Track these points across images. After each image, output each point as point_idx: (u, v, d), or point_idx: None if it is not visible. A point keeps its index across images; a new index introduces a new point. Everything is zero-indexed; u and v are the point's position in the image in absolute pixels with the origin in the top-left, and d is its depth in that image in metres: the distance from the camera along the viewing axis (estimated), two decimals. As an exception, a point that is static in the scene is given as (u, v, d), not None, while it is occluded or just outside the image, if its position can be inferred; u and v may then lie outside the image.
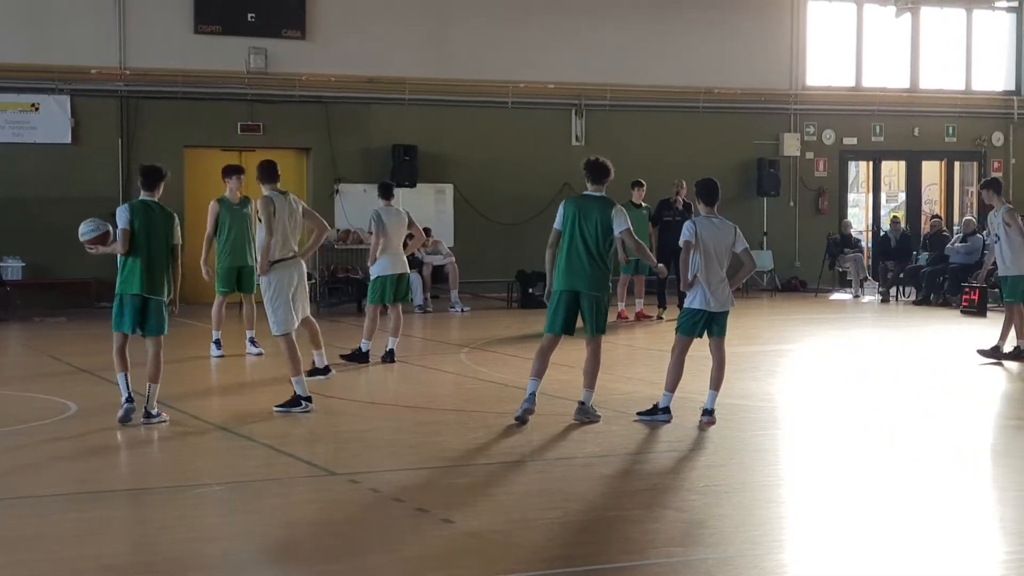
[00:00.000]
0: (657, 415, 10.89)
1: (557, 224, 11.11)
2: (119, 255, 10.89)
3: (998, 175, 28.68)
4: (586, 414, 10.96)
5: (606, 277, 11.10)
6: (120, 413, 10.83)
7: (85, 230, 11.09)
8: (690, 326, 10.86)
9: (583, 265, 10.92)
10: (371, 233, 14.91)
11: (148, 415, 10.91)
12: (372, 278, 14.91)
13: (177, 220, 11.21)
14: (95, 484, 9.00)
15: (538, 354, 11.12)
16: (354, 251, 23.26)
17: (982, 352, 15.06)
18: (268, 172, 11.90)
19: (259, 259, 11.75)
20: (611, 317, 20.02)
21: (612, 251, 11.15)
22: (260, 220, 11.72)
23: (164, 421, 10.93)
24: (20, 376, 14.31)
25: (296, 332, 11.74)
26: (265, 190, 11.85)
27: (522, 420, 10.78)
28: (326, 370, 13.02)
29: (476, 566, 6.75)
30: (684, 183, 20.13)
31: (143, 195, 11.10)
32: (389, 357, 14.72)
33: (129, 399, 10.89)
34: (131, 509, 8.12)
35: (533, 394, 10.92)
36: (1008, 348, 15.06)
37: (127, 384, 10.92)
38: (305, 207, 12.25)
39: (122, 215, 10.93)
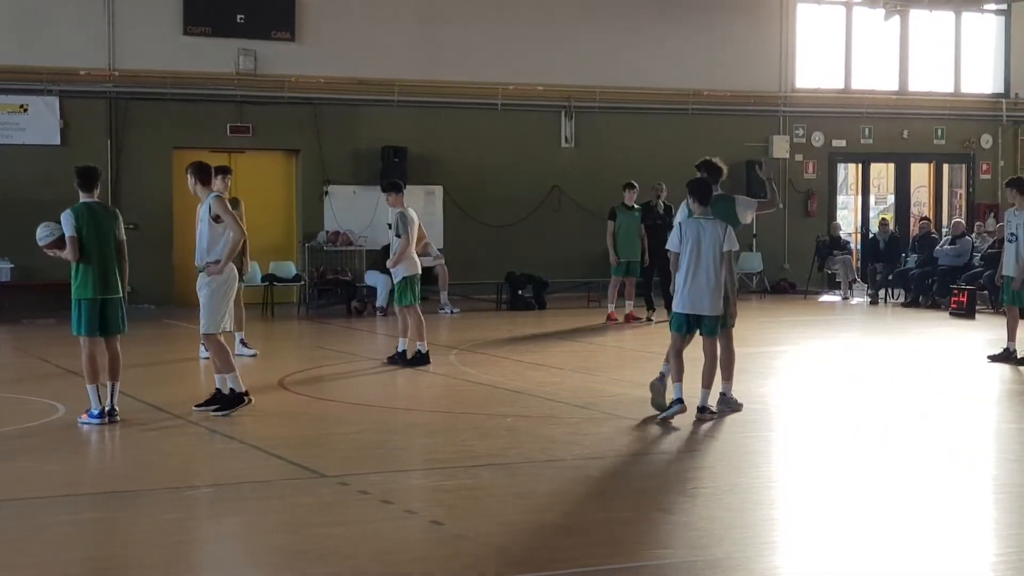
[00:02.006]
0: (671, 407, 10.99)
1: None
2: (71, 261, 10.90)
3: (987, 177, 28.84)
4: (727, 404, 11.34)
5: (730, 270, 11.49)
6: (91, 423, 10.85)
7: (42, 235, 11.00)
8: (677, 325, 11.12)
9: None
10: (398, 236, 14.83)
11: (113, 410, 10.99)
12: (398, 280, 14.88)
13: (120, 216, 11.25)
14: (85, 486, 8.99)
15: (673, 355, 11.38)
16: (343, 253, 23.26)
17: (993, 358, 15.02)
18: (208, 173, 11.77)
19: (214, 257, 11.41)
20: (600, 319, 20.18)
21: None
22: (216, 219, 11.40)
23: (117, 420, 10.96)
24: (9, 378, 14.28)
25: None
26: (212, 192, 11.71)
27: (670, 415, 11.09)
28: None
29: (465, 568, 6.75)
30: (664, 185, 20.08)
31: (83, 197, 11.03)
32: (401, 358, 14.69)
33: (102, 413, 10.89)
34: (121, 511, 8.10)
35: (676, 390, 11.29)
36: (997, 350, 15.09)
37: (100, 397, 10.92)
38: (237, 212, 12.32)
39: (67, 222, 10.87)
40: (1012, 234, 15.08)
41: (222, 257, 11.43)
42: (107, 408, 10.94)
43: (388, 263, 15.11)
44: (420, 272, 15.09)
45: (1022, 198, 15.14)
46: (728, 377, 11.48)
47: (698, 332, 11.15)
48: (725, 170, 11.80)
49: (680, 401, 10.99)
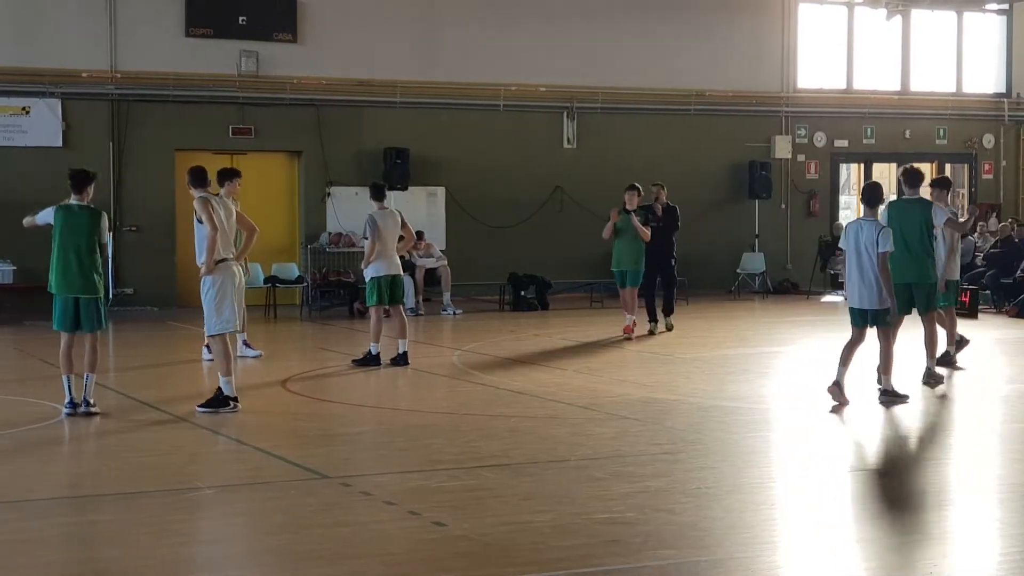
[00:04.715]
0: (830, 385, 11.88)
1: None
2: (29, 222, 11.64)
3: (989, 177, 28.83)
4: (932, 377, 12.87)
5: (929, 265, 13.01)
6: (64, 413, 11.26)
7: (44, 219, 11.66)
8: (851, 319, 12.13)
9: (907, 259, 12.48)
10: (366, 238, 14.94)
11: (87, 403, 11.32)
12: (367, 280, 14.99)
13: (105, 218, 11.64)
14: (86, 488, 8.99)
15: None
16: (345, 254, 23.26)
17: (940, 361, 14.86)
18: (199, 177, 11.98)
19: (204, 258, 11.74)
20: (602, 320, 20.14)
21: (935, 242, 13.09)
22: (200, 220, 11.74)
23: (96, 413, 11.31)
24: (11, 380, 14.28)
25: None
26: (198, 193, 11.88)
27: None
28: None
29: (467, 569, 6.74)
30: (664, 188, 18.92)
31: (72, 198, 11.54)
32: (403, 360, 14.72)
33: (72, 403, 11.27)
34: (123, 513, 8.10)
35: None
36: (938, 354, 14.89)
37: (70, 388, 11.31)
38: (238, 211, 12.45)
39: (47, 214, 11.56)
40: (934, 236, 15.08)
41: (202, 258, 11.76)
42: (81, 399, 11.29)
43: (362, 264, 15.26)
44: (389, 276, 14.88)
45: (947, 198, 15.10)
46: (931, 356, 12.84)
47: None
48: (925, 176, 13.36)
49: (839, 384, 11.81)
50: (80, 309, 11.38)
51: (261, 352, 15.69)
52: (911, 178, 13.19)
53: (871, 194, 12.11)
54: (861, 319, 11.97)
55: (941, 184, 15.35)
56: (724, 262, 26.03)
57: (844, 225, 12.30)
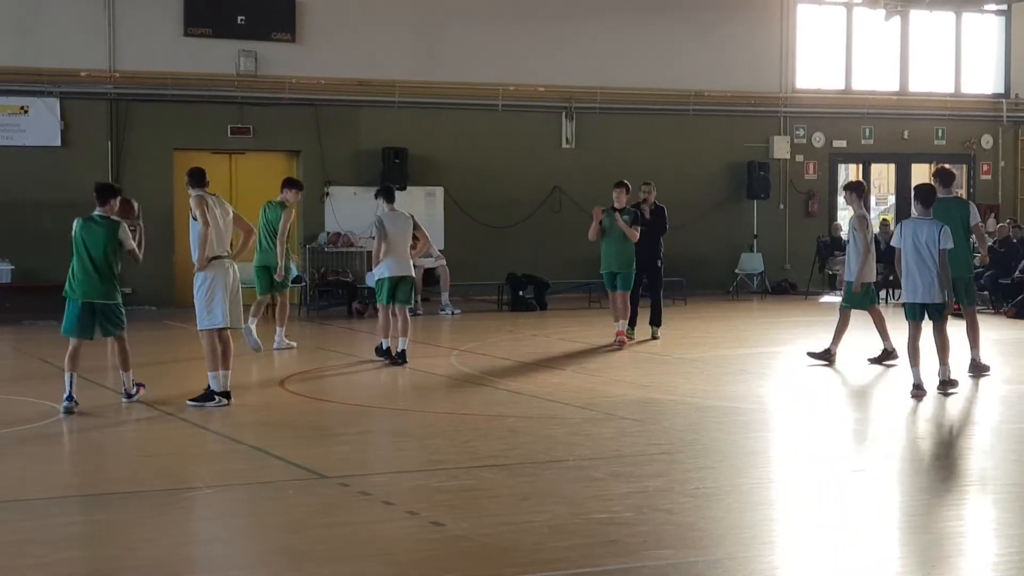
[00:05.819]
0: (911, 390, 12.28)
1: None
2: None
3: (987, 178, 28.85)
4: (977, 369, 13.58)
5: (970, 260, 13.94)
6: (61, 407, 11.44)
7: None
8: (909, 314, 12.47)
9: (949, 254, 12.51)
10: (373, 238, 15.04)
11: (128, 395, 11.94)
12: (375, 280, 15.19)
13: (124, 227, 11.91)
14: (85, 487, 8.99)
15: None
16: (344, 254, 23.27)
17: (813, 355, 14.98)
18: (197, 177, 12.21)
19: (196, 254, 11.97)
20: (601, 319, 20.13)
21: (972, 239, 13.86)
22: (194, 217, 11.97)
23: (138, 395, 12.00)
24: (10, 379, 14.29)
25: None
26: (195, 192, 12.09)
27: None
28: (227, 395, 12.01)
29: (465, 569, 6.75)
30: (654, 187, 17.98)
31: (96, 210, 11.84)
32: (401, 358, 14.74)
33: (69, 397, 11.46)
34: (122, 512, 8.11)
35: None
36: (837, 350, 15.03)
37: (71, 383, 11.52)
38: (235, 212, 12.57)
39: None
40: (847, 239, 15.37)
41: (196, 254, 11.99)
42: (126, 390, 11.93)
43: (372, 265, 15.44)
44: (396, 277, 14.88)
45: (859, 202, 15.10)
46: (944, 362, 12.73)
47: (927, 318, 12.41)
48: (956, 176, 13.96)
49: (917, 386, 12.20)
50: (97, 314, 11.73)
51: (294, 344, 16.36)
52: (944, 178, 13.82)
53: (926, 194, 12.52)
54: (919, 313, 12.38)
55: (855, 188, 15.42)
56: (722, 262, 26.04)
57: (897, 224, 12.87)
